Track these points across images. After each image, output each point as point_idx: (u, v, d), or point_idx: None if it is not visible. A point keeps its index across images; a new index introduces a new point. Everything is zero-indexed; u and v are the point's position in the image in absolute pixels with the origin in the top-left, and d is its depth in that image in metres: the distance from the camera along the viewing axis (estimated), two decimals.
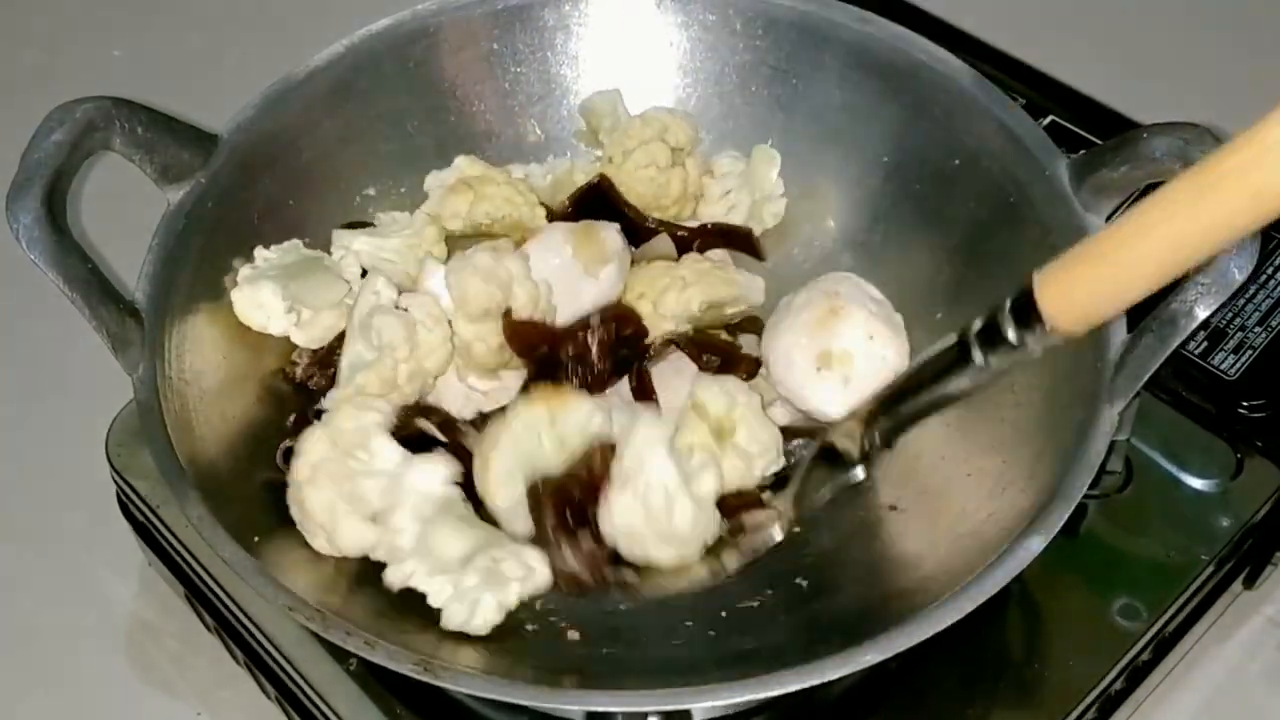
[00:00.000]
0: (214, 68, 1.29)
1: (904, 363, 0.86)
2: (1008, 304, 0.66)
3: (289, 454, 0.82)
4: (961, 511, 0.79)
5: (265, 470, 0.82)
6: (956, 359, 0.70)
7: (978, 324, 0.68)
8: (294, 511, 0.79)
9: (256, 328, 0.86)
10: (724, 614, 0.79)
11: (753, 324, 0.92)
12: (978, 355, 0.68)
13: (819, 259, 0.95)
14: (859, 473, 0.78)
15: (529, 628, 0.78)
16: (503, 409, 0.84)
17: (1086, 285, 0.62)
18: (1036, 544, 0.70)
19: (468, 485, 0.80)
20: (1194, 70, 1.24)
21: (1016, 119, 0.85)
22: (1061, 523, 0.71)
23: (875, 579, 0.80)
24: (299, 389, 0.87)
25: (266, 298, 0.85)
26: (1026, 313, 0.64)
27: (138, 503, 0.91)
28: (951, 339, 0.70)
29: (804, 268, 0.95)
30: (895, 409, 0.75)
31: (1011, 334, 0.66)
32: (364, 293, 0.85)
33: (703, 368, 0.88)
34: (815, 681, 0.67)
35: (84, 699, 0.92)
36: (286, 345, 0.88)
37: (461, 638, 0.76)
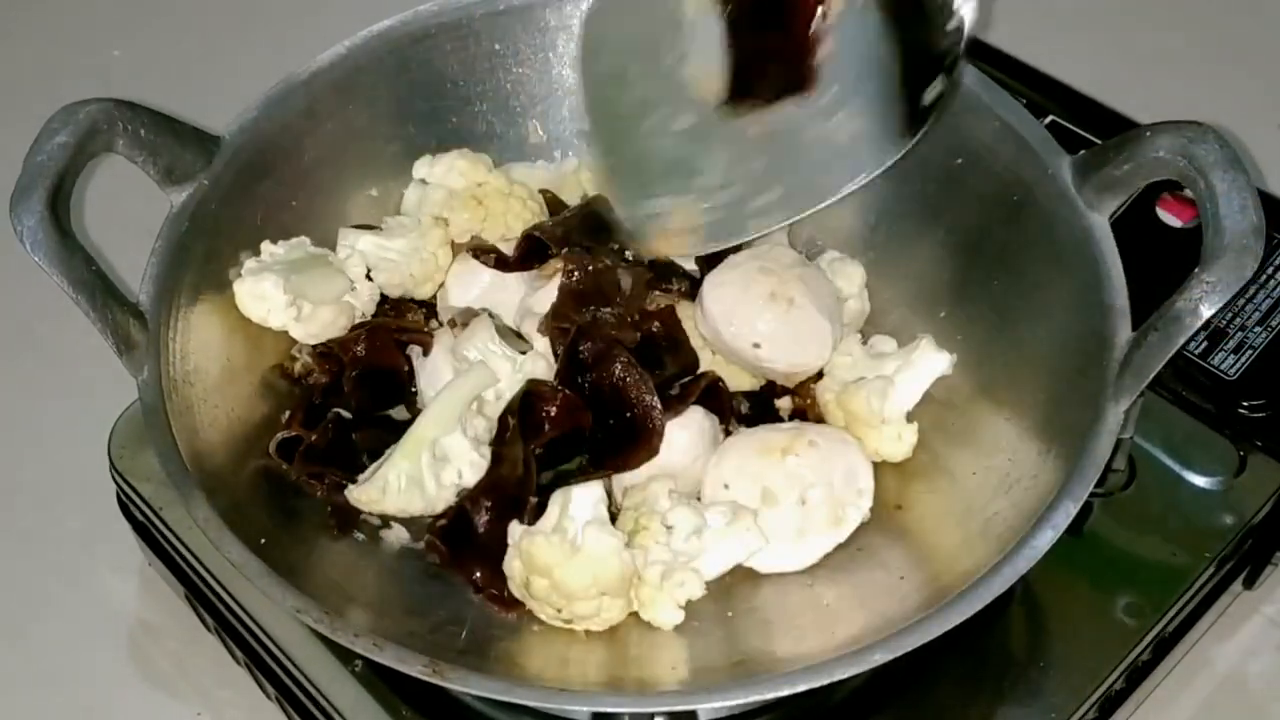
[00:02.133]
0: (215, 68, 1.29)
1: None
2: None
3: (282, 446, 0.83)
4: (967, 510, 0.79)
5: (270, 471, 0.82)
6: None
7: None
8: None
9: (256, 319, 0.86)
10: (730, 614, 0.79)
11: None
12: None
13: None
14: None
15: (535, 629, 0.78)
16: None
17: None
18: (1043, 542, 0.71)
19: None
20: (1194, 70, 1.24)
21: (1019, 118, 0.85)
22: (1068, 521, 0.71)
23: (881, 579, 0.79)
24: (296, 383, 0.88)
25: (268, 290, 0.85)
26: None
27: (138, 504, 0.91)
28: None
29: None
30: None
31: None
32: (473, 379, 0.84)
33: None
34: (824, 682, 0.67)
35: (84, 699, 0.92)
36: (290, 345, 0.88)
37: (465, 639, 0.76)
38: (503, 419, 0.83)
